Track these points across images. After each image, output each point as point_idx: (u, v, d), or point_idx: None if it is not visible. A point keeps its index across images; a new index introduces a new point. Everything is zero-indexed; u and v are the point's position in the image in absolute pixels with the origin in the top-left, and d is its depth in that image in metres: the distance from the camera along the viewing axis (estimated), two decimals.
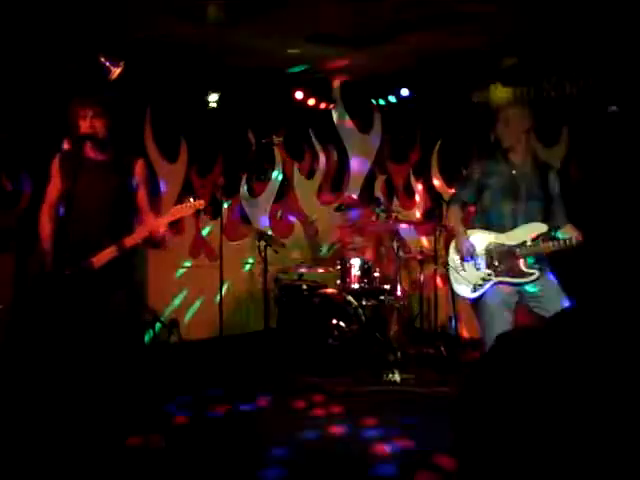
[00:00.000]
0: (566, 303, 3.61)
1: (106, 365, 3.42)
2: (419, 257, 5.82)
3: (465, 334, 5.90)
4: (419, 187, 6.66)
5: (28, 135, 5.06)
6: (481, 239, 3.79)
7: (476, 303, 3.81)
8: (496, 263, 3.70)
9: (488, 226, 3.78)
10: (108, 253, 3.40)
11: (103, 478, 3.18)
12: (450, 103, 6.16)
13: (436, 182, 6.46)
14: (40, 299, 3.59)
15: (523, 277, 3.64)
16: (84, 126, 3.41)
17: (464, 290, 3.81)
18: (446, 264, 3.97)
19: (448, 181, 6.33)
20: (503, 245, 3.69)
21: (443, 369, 5.11)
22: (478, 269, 3.75)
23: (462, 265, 3.82)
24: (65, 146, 3.66)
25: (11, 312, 4.74)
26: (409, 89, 6.32)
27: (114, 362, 3.44)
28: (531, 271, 3.63)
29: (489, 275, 3.72)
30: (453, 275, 3.88)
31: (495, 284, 3.70)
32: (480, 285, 3.73)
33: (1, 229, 5.03)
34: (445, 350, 5.41)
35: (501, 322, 3.66)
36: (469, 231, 3.85)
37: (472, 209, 4.03)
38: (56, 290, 3.36)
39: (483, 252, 3.75)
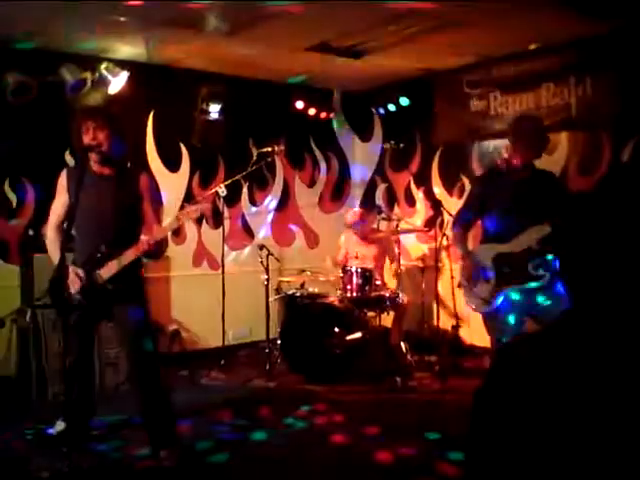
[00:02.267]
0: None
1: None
2: (420, 265, 5.84)
3: (467, 341, 5.90)
4: (420, 195, 6.68)
5: (32, 145, 5.09)
6: (487, 251, 3.80)
7: (488, 314, 3.81)
8: (505, 272, 3.70)
9: (495, 239, 3.79)
10: (112, 268, 3.40)
11: None
12: (448, 112, 6.19)
13: (436, 190, 6.48)
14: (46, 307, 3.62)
15: (533, 281, 3.64)
16: (87, 138, 3.43)
17: (479, 305, 3.81)
18: (459, 284, 3.98)
19: (448, 189, 6.35)
20: (509, 253, 3.70)
21: (445, 376, 5.12)
22: (488, 281, 3.76)
23: (473, 282, 3.82)
24: (68, 159, 3.66)
25: (17, 321, 4.76)
26: (409, 98, 6.35)
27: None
28: (540, 274, 3.62)
29: (500, 285, 3.72)
30: (466, 293, 3.88)
31: (507, 292, 3.70)
32: (493, 297, 3.73)
33: (5, 239, 5.06)
34: (447, 357, 5.42)
35: (512, 333, 3.68)
36: (473, 249, 3.88)
37: (477, 224, 4.04)
38: (66, 304, 3.38)
39: (491, 264, 3.75)
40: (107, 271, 3.40)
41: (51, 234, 3.57)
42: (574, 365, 1.37)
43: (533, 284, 3.66)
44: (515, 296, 3.71)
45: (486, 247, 3.84)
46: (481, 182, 4.00)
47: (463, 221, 4.04)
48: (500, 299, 3.72)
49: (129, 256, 3.40)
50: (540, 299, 3.68)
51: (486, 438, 1.41)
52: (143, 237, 3.48)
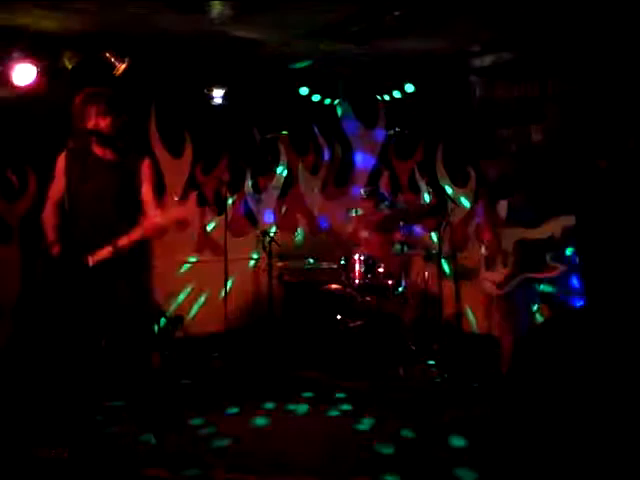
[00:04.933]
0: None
1: (111, 358, 3.45)
2: (424, 253, 5.83)
3: (469, 329, 5.90)
4: (424, 183, 6.65)
5: (33, 130, 5.08)
6: (509, 235, 3.77)
7: (502, 298, 3.79)
8: (523, 258, 3.67)
9: (519, 222, 3.76)
10: (104, 253, 3.38)
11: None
12: (456, 99, 6.15)
13: (441, 178, 6.45)
14: (46, 291, 3.62)
15: (548, 271, 3.62)
16: (89, 123, 3.42)
17: (490, 287, 3.79)
18: (479, 261, 3.94)
19: (453, 177, 6.32)
20: (530, 240, 3.67)
21: (447, 364, 5.14)
22: (505, 265, 3.73)
23: (489, 261, 3.80)
24: (70, 144, 3.65)
25: (18, 303, 4.77)
26: (414, 84, 6.31)
27: (120, 355, 3.45)
28: (556, 265, 3.60)
29: (516, 271, 3.69)
30: (483, 274, 3.86)
31: (522, 279, 3.68)
32: (507, 281, 3.71)
33: (7, 221, 5.07)
34: (450, 345, 5.43)
35: (525, 318, 3.68)
36: (499, 231, 3.84)
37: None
38: (60, 283, 3.39)
39: (511, 248, 3.72)
40: (95, 257, 3.37)
41: (48, 215, 3.54)
42: (594, 351, 1.36)
43: (547, 275, 3.62)
44: (528, 283, 3.70)
45: (508, 230, 3.79)
46: (506, 164, 3.96)
47: (492, 198, 3.99)
48: (513, 283, 3.69)
49: (117, 245, 3.36)
50: (550, 289, 3.67)
51: (517, 418, 1.42)
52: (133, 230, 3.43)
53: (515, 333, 3.71)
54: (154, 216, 3.41)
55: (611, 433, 1.23)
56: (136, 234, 3.38)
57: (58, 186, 3.53)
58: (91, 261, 3.36)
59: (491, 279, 3.80)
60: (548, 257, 3.62)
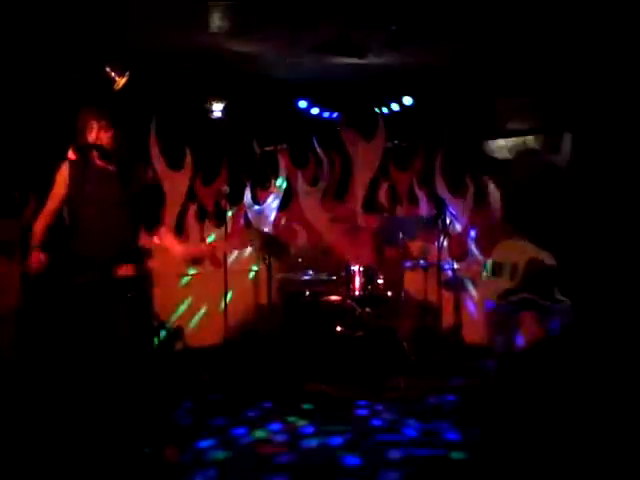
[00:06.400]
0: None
1: (114, 370, 3.45)
2: (423, 264, 5.84)
3: (469, 340, 5.90)
4: (423, 194, 6.67)
5: (34, 145, 5.11)
6: (523, 250, 3.62)
7: (497, 311, 3.75)
8: (532, 280, 3.53)
9: (523, 236, 3.69)
10: (128, 270, 3.42)
11: None
12: (454, 111, 6.19)
13: (440, 189, 6.47)
14: (46, 303, 3.64)
15: (553, 303, 3.48)
16: (92, 137, 3.45)
17: (491, 294, 3.72)
18: (482, 272, 3.86)
19: (452, 188, 6.34)
20: (544, 264, 3.50)
21: (446, 375, 5.14)
22: (512, 279, 3.61)
23: (496, 272, 3.72)
24: (70, 155, 3.66)
25: (18, 318, 4.77)
26: (412, 97, 6.35)
27: (122, 367, 3.46)
28: (563, 299, 3.46)
29: (521, 289, 3.57)
30: (485, 282, 3.82)
31: (522, 299, 3.57)
32: (509, 296, 3.61)
33: (7, 237, 5.07)
34: (449, 356, 5.43)
35: (510, 330, 3.65)
36: (511, 241, 3.75)
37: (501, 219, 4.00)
38: (65, 296, 3.41)
39: (523, 265, 3.58)
40: (122, 272, 3.41)
41: (42, 219, 3.52)
42: (580, 371, 1.37)
43: (551, 305, 3.49)
44: (528, 303, 3.62)
45: (523, 244, 3.64)
46: (517, 179, 3.97)
47: (503, 215, 3.99)
48: (514, 299, 3.62)
49: (144, 268, 3.43)
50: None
51: (498, 436, 1.43)
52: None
53: (503, 349, 3.68)
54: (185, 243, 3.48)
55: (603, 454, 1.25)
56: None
57: (57, 194, 3.53)
58: (120, 273, 3.38)
59: (494, 286, 3.71)
60: (556, 290, 3.46)
